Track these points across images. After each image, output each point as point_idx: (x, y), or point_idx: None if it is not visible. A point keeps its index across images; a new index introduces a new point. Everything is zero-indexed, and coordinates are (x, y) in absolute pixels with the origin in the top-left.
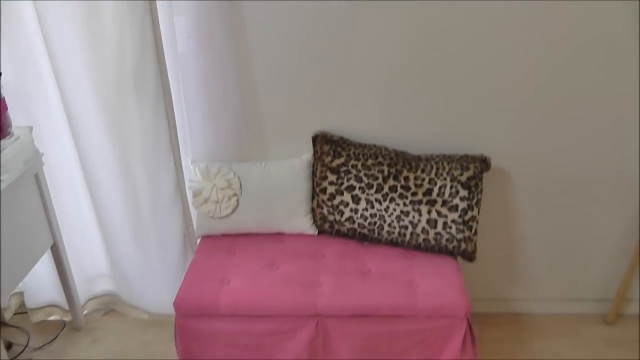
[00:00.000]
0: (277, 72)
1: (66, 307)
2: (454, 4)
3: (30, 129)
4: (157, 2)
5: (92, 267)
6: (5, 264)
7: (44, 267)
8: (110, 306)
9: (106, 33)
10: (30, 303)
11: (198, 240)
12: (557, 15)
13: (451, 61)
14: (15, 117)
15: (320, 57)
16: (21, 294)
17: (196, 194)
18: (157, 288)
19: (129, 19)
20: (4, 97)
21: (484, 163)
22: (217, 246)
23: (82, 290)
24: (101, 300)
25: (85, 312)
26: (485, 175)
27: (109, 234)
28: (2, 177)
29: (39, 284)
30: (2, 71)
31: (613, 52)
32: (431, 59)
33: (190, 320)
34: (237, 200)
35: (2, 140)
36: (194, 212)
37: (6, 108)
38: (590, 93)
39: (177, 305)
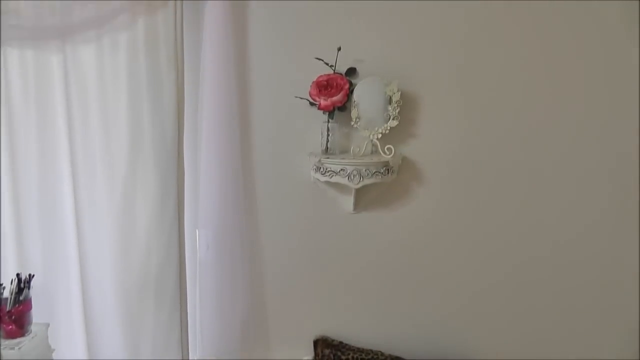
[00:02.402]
0: (282, 282)
1: None
2: (438, 212)
3: (47, 325)
4: (186, 213)
5: None
6: None
7: None
8: None
9: (136, 238)
10: None
11: None
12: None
13: (440, 275)
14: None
15: (321, 270)
16: None
17: None
18: None
19: (157, 227)
20: (30, 298)
21: None
22: None
23: None
24: None
25: None
26: None
27: None
28: None
29: None
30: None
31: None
32: (421, 274)
33: None
34: None
35: (20, 339)
36: None
37: (30, 308)
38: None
39: None
